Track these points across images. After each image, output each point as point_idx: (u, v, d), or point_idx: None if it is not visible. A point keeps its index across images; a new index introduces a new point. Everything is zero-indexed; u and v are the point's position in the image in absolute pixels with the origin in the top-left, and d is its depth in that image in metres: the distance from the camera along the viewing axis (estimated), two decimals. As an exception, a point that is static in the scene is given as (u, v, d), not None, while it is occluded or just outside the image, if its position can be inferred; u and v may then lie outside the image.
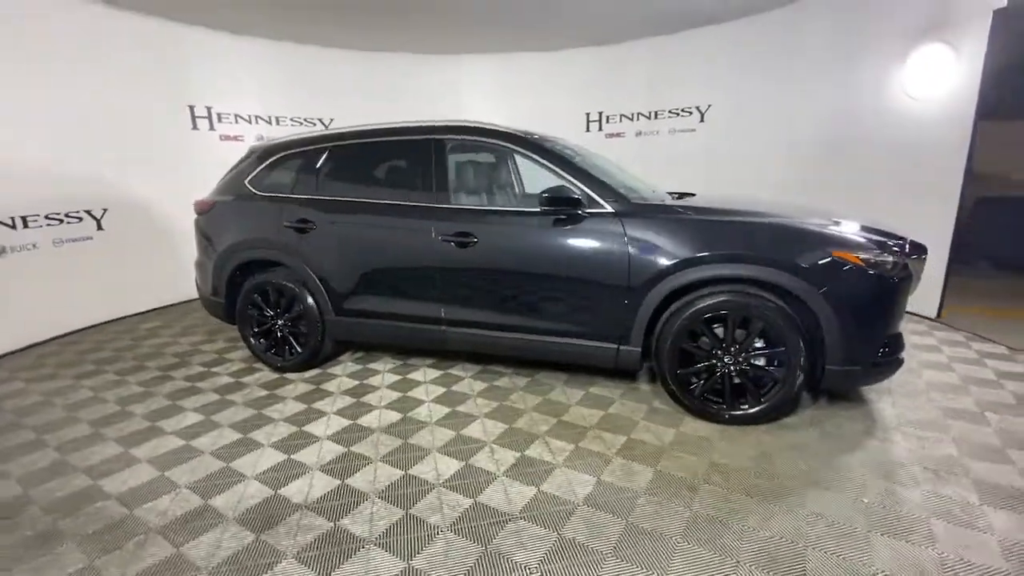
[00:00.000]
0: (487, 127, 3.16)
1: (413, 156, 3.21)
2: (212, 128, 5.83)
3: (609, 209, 2.73)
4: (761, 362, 2.58)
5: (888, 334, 2.49)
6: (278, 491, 2.20)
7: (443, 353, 3.71)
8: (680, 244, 2.59)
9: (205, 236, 3.63)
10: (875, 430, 2.57)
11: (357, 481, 2.27)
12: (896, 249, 2.45)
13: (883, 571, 1.67)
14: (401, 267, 3.19)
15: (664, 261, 2.60)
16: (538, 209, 2.83)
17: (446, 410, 2.92)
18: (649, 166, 6.47)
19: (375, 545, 1.87)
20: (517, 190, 3.90)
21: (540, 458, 2.41)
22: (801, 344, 2.45)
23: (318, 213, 3.28)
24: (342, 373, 3.51)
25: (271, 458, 2.48)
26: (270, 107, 6.28)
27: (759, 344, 2.56)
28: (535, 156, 2.99)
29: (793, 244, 2.47)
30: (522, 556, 1.80)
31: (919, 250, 2.54)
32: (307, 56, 6.36)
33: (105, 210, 4.94)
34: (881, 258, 2.39)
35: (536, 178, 3.32)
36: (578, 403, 2.97)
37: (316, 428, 2.77)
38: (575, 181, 2.84)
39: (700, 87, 6.09)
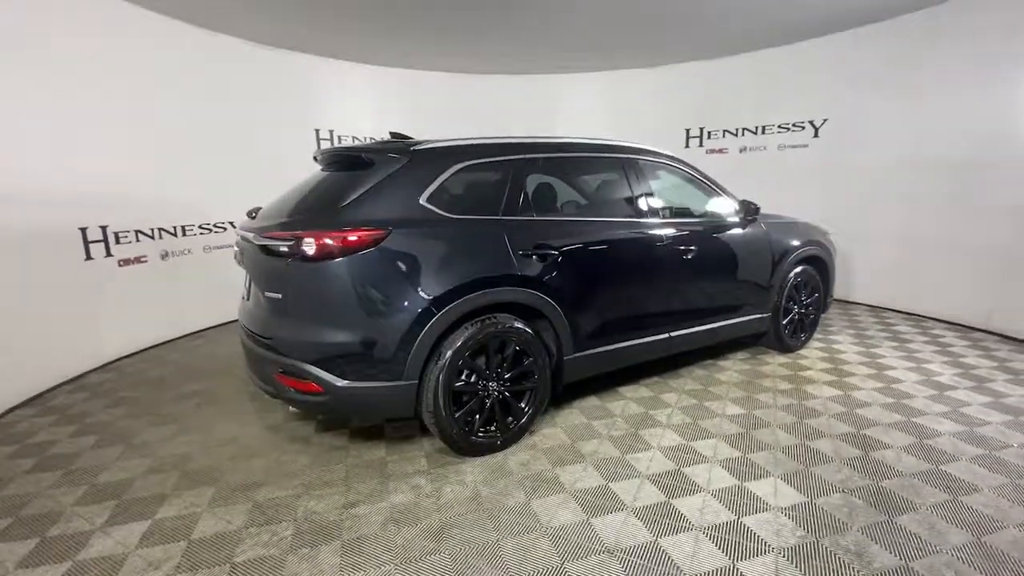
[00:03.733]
0: (668, 152, 3.57)
1: (625, 174, 3.26)
2: None
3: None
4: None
5: None
6: None
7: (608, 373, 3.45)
8: (793, 237, 3.95)
9: (373, 287, 2.35)
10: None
11: None
12: None
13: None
14: (643, 283, 3.17)
15: (791, 247, 3.89)
16: (733, 219, 3.64)
17: (739, 428, 2.96)
18: (755, 183, 6.11)
19: None
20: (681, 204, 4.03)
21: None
22: (822, 287, 4.19)
23: (555, 235, 2.82)
24: (556, 424, 3.01)
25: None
26: (384, 128, 6.84)
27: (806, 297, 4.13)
28: (699, 177, 3.64)
29: (820, 233, 4.21)
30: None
31: None
32: (417, 80, 6.85)
33: (244, 221, 5.67)
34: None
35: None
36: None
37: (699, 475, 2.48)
38: (732, 196, 3.72)
39: (815, 100, 5.66)
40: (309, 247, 2.26)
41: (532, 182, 2.89)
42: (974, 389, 3.38)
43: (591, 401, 3.30)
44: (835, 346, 4.32)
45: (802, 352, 4.19)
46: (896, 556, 1.92)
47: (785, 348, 4.10)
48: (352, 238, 2.28)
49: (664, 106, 6.81)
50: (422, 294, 2.39)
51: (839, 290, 5.42)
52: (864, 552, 1.94)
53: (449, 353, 2.44)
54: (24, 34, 3.64)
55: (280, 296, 2.40)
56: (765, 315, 3.86)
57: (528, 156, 2.86)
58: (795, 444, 2.74)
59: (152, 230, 4.77)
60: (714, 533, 2.07)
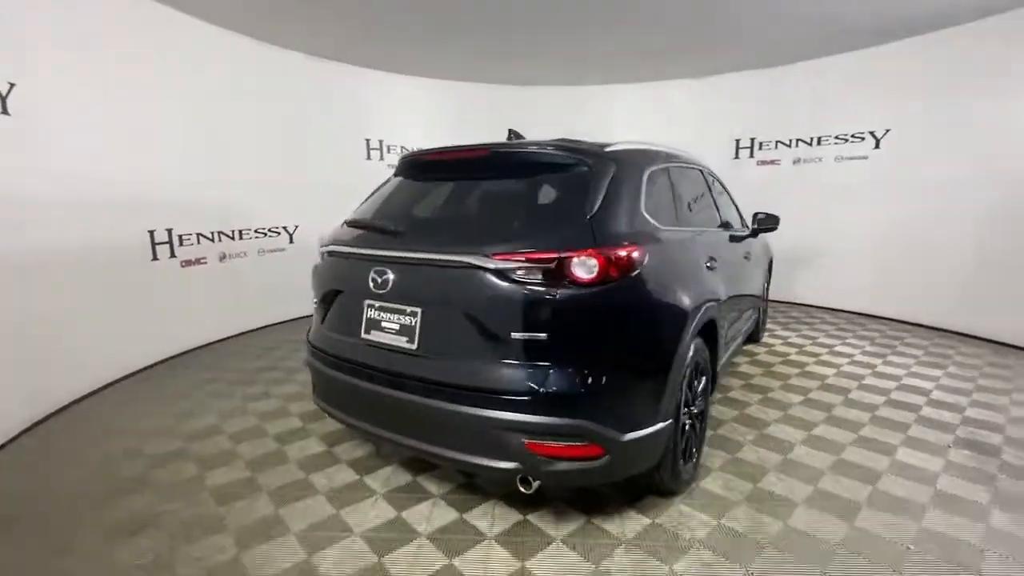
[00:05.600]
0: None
1: (707, 185, 3.31)
2: (382, 158, 6.40)
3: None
4: None
5: None
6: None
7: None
8: (766, 245, 4.59)
9: (645, 312, 2.01)
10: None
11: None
12: None
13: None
14: (739, 291, 3.25)
15: (769, 253, 4.64)
16: (750, 229, 3.81)
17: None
18: (809, 196, 6.14)
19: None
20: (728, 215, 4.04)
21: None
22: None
23: (713, 246, 2.77)
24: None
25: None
26: (430, 139, 6.73)
27: None
28: (724, 187, 3.79)
29: None
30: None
31: None
32: (462, 91, 6.81)
33: (296, 226, 5.50)
34: None
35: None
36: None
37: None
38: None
39: (876, 110, 5.62)
40: (586, 269, 1.78)
41: (680, 191, 2.73)
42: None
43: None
44: (777, 334, 5.09)
45: (766, 341, 4.82)
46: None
47: (757, 340, 4.68)
48: (626, 255, 1.87)
49: (713, 116, 6.78)
50: (677, 316, 2.10)
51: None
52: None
53: (687, 381, 2.14)
54: (99, 51, 3.61)
55: (546, 336, 1.79)
56: (758, 314, 4.30)
57: (671, 165, 2.68)
58: (871, 417, 3.14)
59: (212, 233, 4.62)
60: (946, 504, 2.26)
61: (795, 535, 2.05)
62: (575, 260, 1.78)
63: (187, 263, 4.34)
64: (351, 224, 2.41)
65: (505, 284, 1.81)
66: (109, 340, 3.67)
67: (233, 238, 4.84)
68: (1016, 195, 4.64)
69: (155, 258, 4.03)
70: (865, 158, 5.80)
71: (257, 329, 5.20)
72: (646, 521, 2.14)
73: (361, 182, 6.03)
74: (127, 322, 3.81)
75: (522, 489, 1.92)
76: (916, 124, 5.36)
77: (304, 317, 5.68)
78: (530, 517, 2.17)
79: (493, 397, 1.82)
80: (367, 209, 2.49)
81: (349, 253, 2.25)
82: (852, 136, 5.87)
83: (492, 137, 2.77)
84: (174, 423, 3.07)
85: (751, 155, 6.68)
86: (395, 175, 2.61)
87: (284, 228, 5.41)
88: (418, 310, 1.99)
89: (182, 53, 4.27)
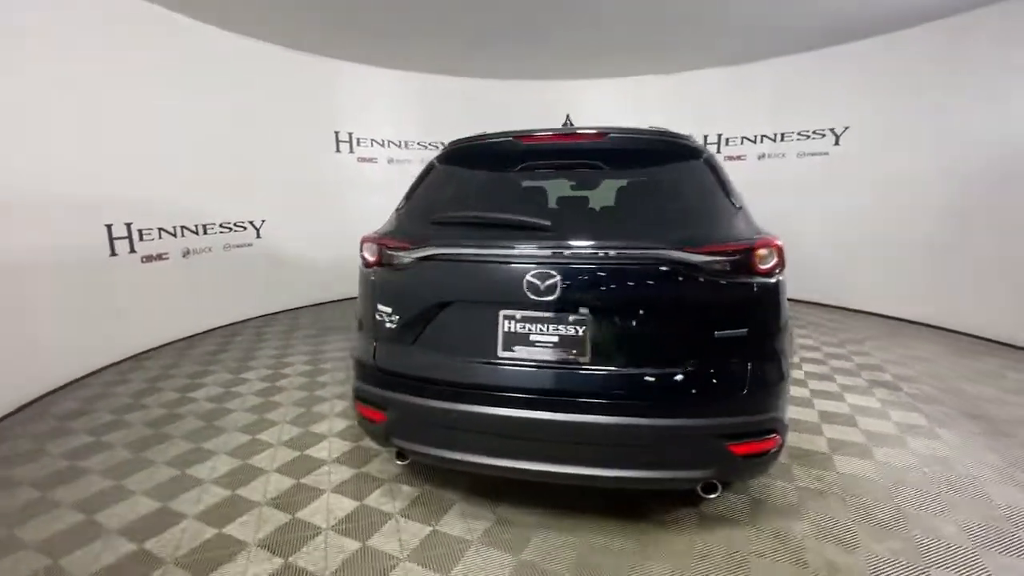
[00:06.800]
0: None
1: None
2: (351, 151, 6.23)
3: None
4: None
5: None
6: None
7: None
8: None
9: (785, 299, 2.03)
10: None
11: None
12: None
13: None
14: None
15: None
16: None
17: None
18: (774, 190, 6.22)
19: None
20: None
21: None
22: None
23: None
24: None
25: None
26: (401, 132, 6.53)
27: None
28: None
29: None
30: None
31: None
32: (434, 84, 6.76)
33: (264, 220, 5.09)
34: None
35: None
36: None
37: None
38: None
39: (836, 108, 5.78)
40: (768, 260, 1.70)
41: None
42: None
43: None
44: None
45: None
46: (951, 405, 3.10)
47: None
48: (781, 244, 1.77)
49: (681, 112, 6.85)
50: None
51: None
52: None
53: None
54: (53, 38, 3.50)
55: (746, 331, 1.71)
56: None
57: None
58: (805, 373, 3.63)
59: (175, 228, 4.55)
60: (909, 431, 2.76)
61: (852, 480, 2.31)
62: (760, 251, 1.70)
63: (148, 259, 4.25)
64: (446, 221, 1.97)
65: (705, 280, 1.69)
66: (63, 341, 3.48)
67: (197, 232, 4.65)
68: (951, 191, 4.87)
69: (113, 254, 3.93)
70: (826, 154, 6.00)
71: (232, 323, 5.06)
72: (745, 498, 2.18)
73: (331, 174, 5.82)
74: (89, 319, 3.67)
75: (708, 496, 1.87)
76: (873, 122, 5.61)
77: (274, 314, 5.30)
78: (648, 525, 2.00)
79: (695, 404, 1.70)
80: (459, 203, 2.07)
81: (482, 256, 1.84)
82: (813, 133, 6.06)
83: (467, 130, 2.52)
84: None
85: (718, 150, 6.81)
86: (450, 163, 2.21)
87: (251, 222, 5.12)
88: (586, 316, 1.75)
89: (143, 43, 4.15)
